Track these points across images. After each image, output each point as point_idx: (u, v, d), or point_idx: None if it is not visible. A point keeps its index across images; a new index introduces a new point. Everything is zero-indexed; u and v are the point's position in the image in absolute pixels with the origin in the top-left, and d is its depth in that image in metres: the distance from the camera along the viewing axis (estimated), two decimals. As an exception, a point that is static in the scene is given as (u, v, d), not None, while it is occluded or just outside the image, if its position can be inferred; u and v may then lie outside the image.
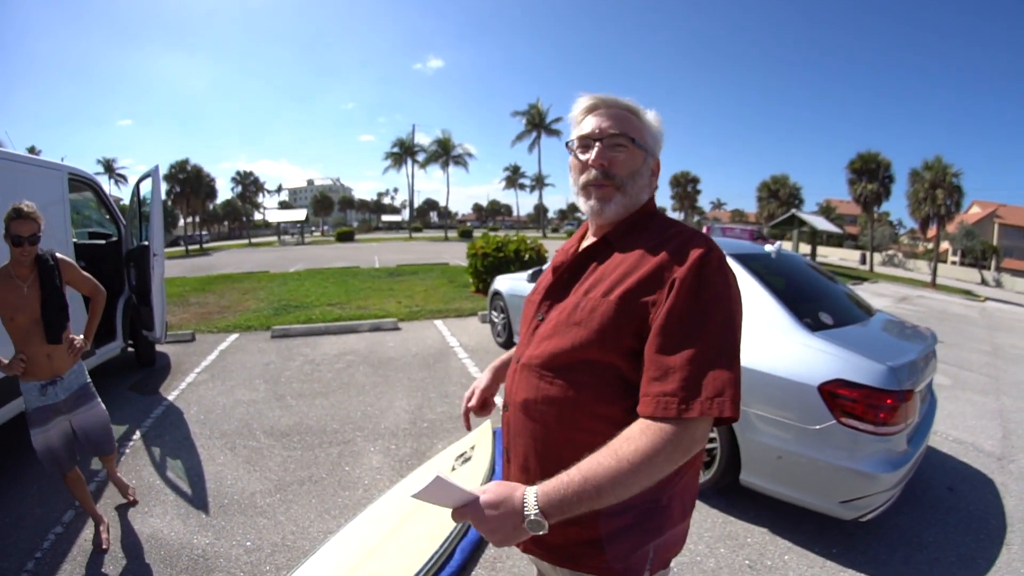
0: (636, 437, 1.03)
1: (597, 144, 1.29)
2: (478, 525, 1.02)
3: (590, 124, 1.31)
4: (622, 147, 1.28)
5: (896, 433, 2.94)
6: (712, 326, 1.08)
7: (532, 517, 0.98)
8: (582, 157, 1.31)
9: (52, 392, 2.92)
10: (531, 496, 1.00)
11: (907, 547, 3.18)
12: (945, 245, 47.80)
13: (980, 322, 14.22)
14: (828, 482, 3.04)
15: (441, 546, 2.80)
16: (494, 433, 4.15)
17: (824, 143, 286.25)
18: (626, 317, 1.14)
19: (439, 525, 2.97)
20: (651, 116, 1.35)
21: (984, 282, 38.26)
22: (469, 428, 1.71)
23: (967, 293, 25.48)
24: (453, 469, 3.60)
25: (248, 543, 2.99)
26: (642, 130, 1.31)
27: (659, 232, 1.27)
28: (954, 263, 49.76)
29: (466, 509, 1.02)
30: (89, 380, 3.15)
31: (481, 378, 1.69)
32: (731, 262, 1.27)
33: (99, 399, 3.17)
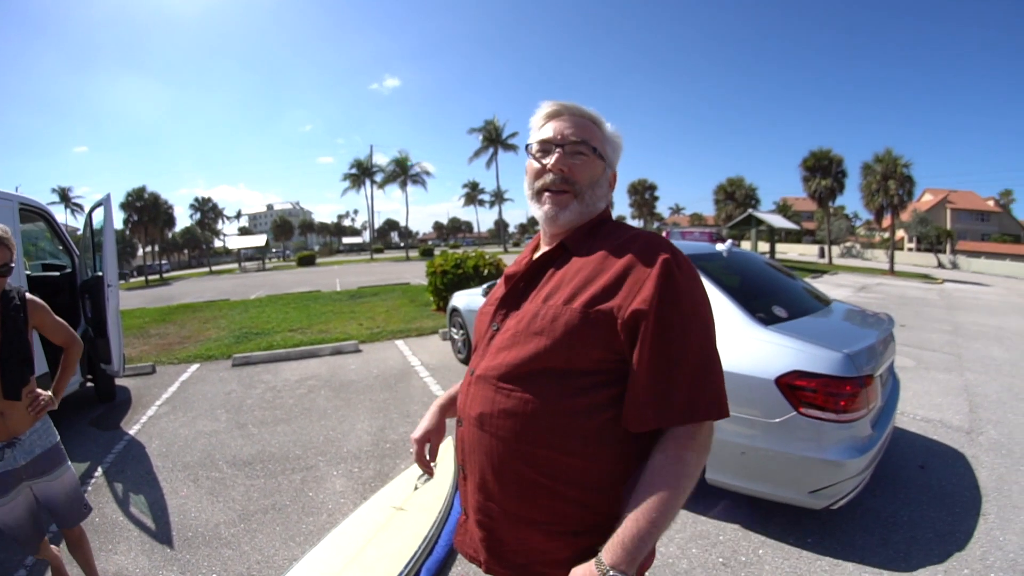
0: (680, 457, 1.05)
1: (558, 150, 1.26)
2: None
3: (552, 129, 1.28)
4: (583, 155, 1.26)
5: (859, 419, 2.93)
6: (697, 331, 1.09)
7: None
8: (542, 161, 1.28)
9: (10, 456, 2.37)
10: (601, 565, 1.00)
11: (883, 529, 3.22)
12: (900, 233, 49.51)
13: (939, 303, 14.74)
14: (795, 474, 3.02)
15: (406, 566, 2.79)
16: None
17: (777, 144, 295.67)
18: (592, 326, 1.10)
19: (404, 546, 2.96)
20: (611, 129, 1.33)
21: (941, 265, 39.72)
22: (431, 473, 1.59)
23: (925, 277, 26.39)
24: (416, 488, 3.60)
25: (213, 575, 2.95)
26: (603, 140, 1.30)
27: (616, 236, 1.23)
28: (911, 250, 51.76)
29: None
30: (58, 439, 2.59)
31: (423, 421, 1.55)
32: None
33: (69, 463, 2.60)
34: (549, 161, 1.27)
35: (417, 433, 1.52)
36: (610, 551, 1.00)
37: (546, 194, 1.28)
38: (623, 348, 1.09)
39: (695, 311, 1.10)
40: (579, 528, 1.14)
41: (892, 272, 28.96)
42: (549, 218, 1.28)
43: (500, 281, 1.41)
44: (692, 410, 1.05)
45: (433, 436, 1.53)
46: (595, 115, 1.32)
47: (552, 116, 1.31)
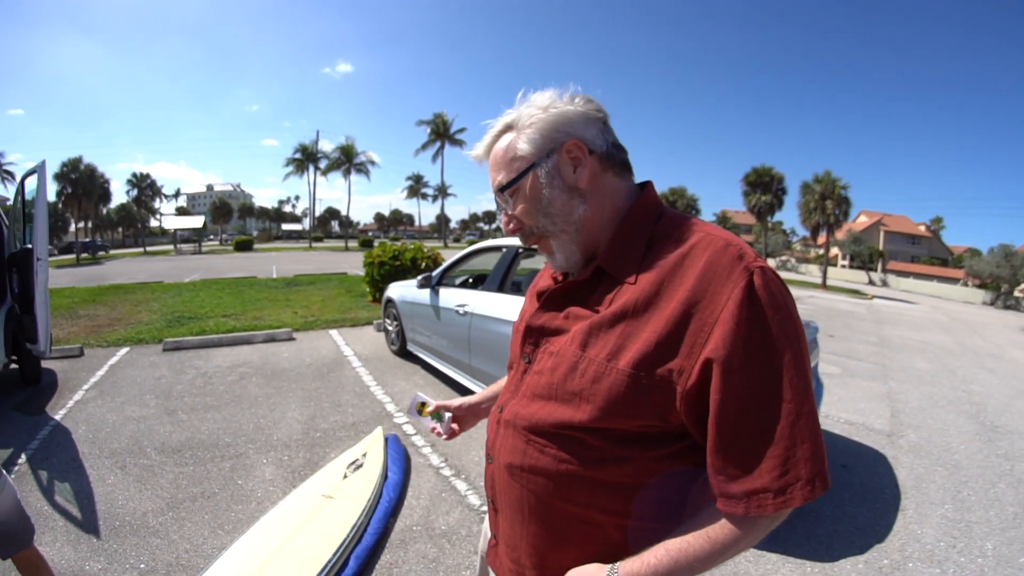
0: (732, 525, 0.85)
1: (502, 211, 1.07)
2: None
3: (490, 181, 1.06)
4: (512, 196, 1.02)
5: None
6: (788, 383, 0.81)
7: None
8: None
9: None
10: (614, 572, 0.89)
11: (806, 522, 3.35)
12: (835, 251, 51.63)
13: (868, 317, 15.51)
14: None
15: (335, 553, 2.79)
16: (386, 440, 4.16)
17: (721, 157, 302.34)
18: (644, 393, 0.86)
19: (332, 533, 2.96)
20: (531, 107, 0.99)
21: (872, 282, 41.61)
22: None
23: (856, 292, 27.76)
24: (345, 477, 3.59)
25: (142, 565, 2.85)
26: (517, 145, 0.99)
27: (672, 244, 0.92)
28: (844, 266, 54.12)
29: None
30: None
31: (464, 399, 1.48)
32: None
33: (6, 473, 2.12)
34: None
35: (455, 402, 1.46)
36: (629, 564, 0.89)
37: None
38: (682, 420, 0.87)
39: (785, 347, 0.82)
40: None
41: (825, 286, 30.23)
42: (557, 270, 1.10)
43: (530, 295, 1.18)
44: (784, 493, 0.81)
45: (462, 412, 1.46)
46: (502, 124, 1.03)
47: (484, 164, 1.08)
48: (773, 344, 0.81)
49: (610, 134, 1.02)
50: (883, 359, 8.80)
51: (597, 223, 1.00)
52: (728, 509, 0.84)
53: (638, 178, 1.08)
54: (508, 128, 1.02)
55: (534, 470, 0.98)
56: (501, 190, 1.02)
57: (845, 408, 5.80)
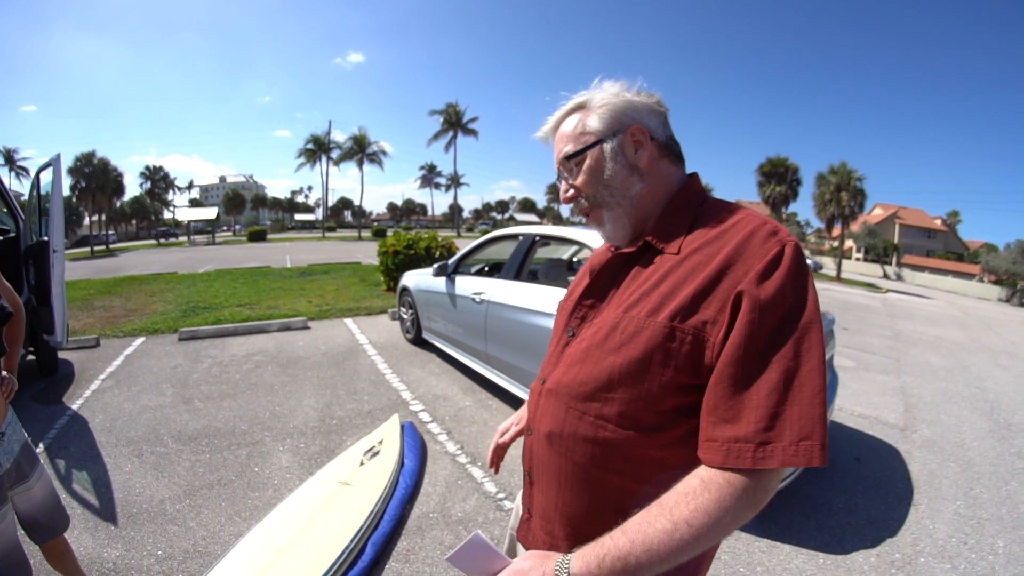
0: (697, 492, 0.83)
1: (562, 180, 1.15)
2: None
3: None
4: (579, 165, 1.10)
5: None
6: (793, 347, 0.84)
7: None
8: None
9: None
10: (564, 566, 0.86)
11: (819, 514, 3.36)
12: (849, 243, 51.16)
13: (882, 311, 15.39)
14: None
15: (352, 540, 2.79)
16: (402, 427, 4.16)
17: (735, 146, 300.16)
18: (679, 344, 0.91)
19: (349, 520, 2.96)
20: (603, 92, 1.09)
21: (886, 276, 41.33)
22: (496, 469, 1.51)
23: (870, 286, 27.52)
24: (362, 464, 3.60)
25: (159, 552, 2.88)
26: (586, 122, 1.08)
27: (714, 223, 1.00)
28: (858, 259, 53.65)
29: None
30: (27, 435, 2.08)
31: (514, 415, 1.51)
32: None
33: (41, 462, 2.10)
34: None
35: (502, 424, 1.52)
36: (583, 558, 0.86)
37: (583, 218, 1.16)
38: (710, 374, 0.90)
39: (796, 316, 0.86)
40: None
41: (839, 279, 30.05)
42: (606, 239, 1.16)
43: (582, 272, 1.21)
44: (765, 448, 0.81)
45: (514, 426, 1.49)
46: (575, 103, 1.12)
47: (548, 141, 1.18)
48: (791, 307, 0.87)
49: (669, 128, 1.13)
50: (897, 353, 8.70)
51: (650, 201, 1.09)
52: (707, 456, 0.86)
53: None
54: (578, 108, 1.11)
55: (573, 437, 1.02)
56: (568, 159, 1.11)
57: (859, 401, 5.75)
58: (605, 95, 1.09)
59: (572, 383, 1.03)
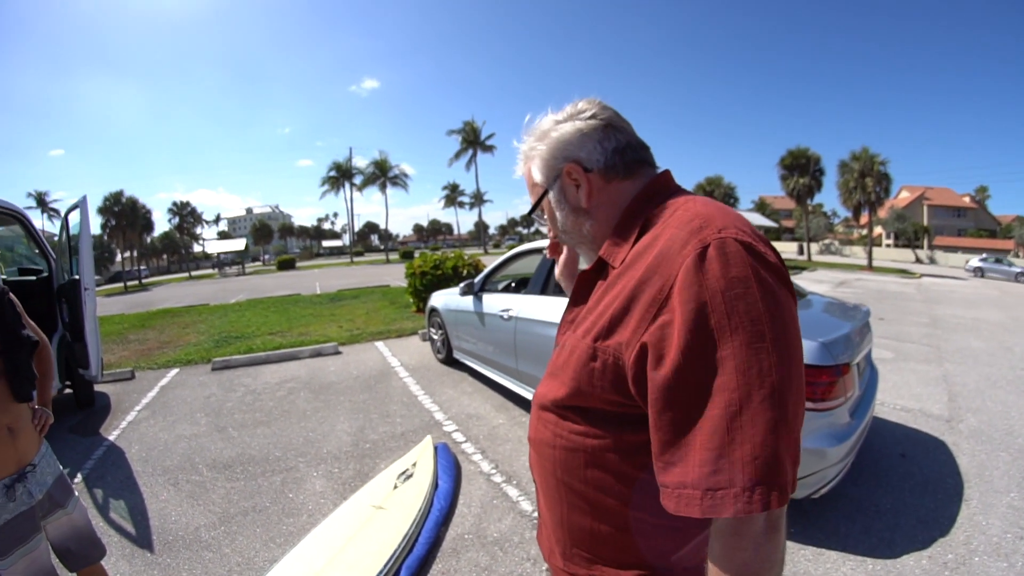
0: (731, 559, 0.75)
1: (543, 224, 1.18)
2: None
3: None
4: (541, 214, 1.14)
5: (836, 407, 2.94)
6: (735, 373, 0.73)
7: None
8: None
9: (24, 492, 1.89)
10: None
11: (865, 517, 3.25)
12: (878, 230, 50.47)
13: (918, 297, 15.11)
14: None
15: (386, 564, 2.80)
16: (436, 448, 4.17)
17: (755, 142, 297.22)
18: (601, 364, 0.88)
19: (384, 544, 2.97)
20: (537, 133, 1.08)
21: (919, 260, 40.61)
22: None
23: (903, 272, 27.09)
24: (395, 487, 3.61)
25: (194, 577, 2.93)
26: (532, 173, 1.09)
27: (656, 226, 0.93)
28: (888, 246, 52.86)
29: None
30: (62, 467, 2.19)
31: None
32: None
33: (76, 492, 2.21)
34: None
35: None
36: None
37: None
38: (639, 399, 0.85)
39: (737, 326, 0.75)
40: (622, 560, 0.98)
41: (871, 268, 29.59)
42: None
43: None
44: (713, 495, 0.73)
45: None
46: (522, 154, 1.13)
47: None
48: (717, 322, 0.75)
49: (611, 139, 1.03)
50: (936, 340, 8.49)
51: (607, 231, 1.04)
52: (663, 500, 0.78)
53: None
54: (525, 158, 1.12)
55: (543, 444, 1.04)
56: (529, 214, 1.17)
57: (900, 394, 5.59)
58: (533, 142, 1.08)
59: (543, 395, 1.05)
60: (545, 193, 1.08)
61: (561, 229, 1.10)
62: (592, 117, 1.03)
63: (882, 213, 41.89)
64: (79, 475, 4.28)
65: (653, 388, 0.78)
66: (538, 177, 1.08)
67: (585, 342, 0.92)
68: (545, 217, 1.14)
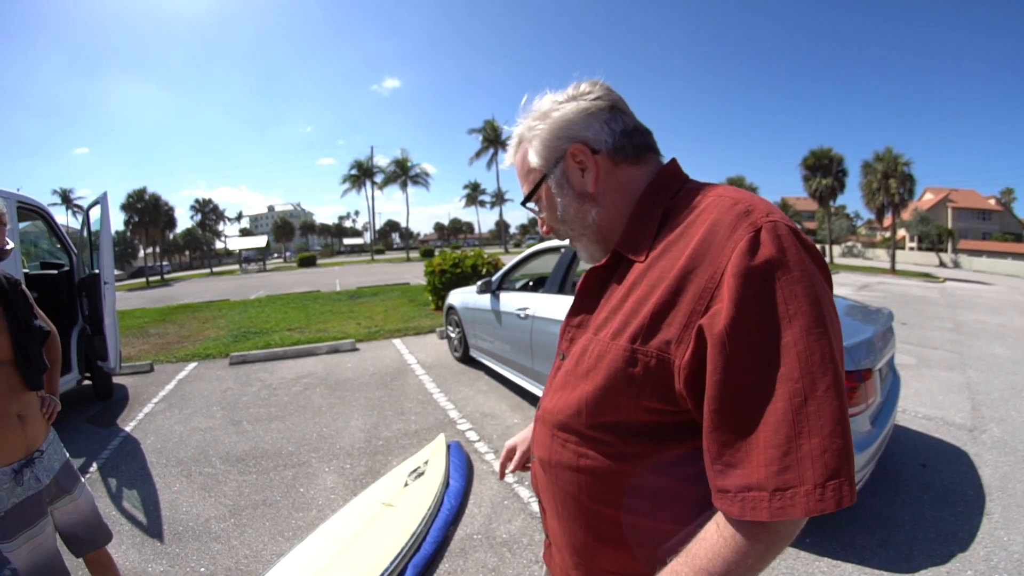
0: (715, 543, 0.73)
1: (537, 215, 1.09)
2: None
3: None
4: (537, 203, 1.05)
5: (858, 414, 2.86)
6: (797, 361, 0.69)
7: None
8: None
9: (32, 477, 1.97)
10: None
11: (884, 529, 3.16)
12: (902, 232, 49.74)
13: (941, 302, 14.84)
14: None
15: (392, 562, 2.78)
16: (448, 447, 4.15)
17: (777, 143, 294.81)
18: (643, 368, 0.80)
19: (391, 542, 2.96)
20: (533, 114, 1.01)
21: (942, 264, 39.99)
22: (501, 475, 1.47)
23: (927, 276, 26.63)
24: (406, 485, 3.60)
25: (202, 569, 2.94)
26: (529, 157, 1.01)
27: (684, 215, 0.87)
28: (912, 249, 52.13)
29: None
30: (69, 455, 2.27)
31: (523, 432, 1.43)
32: None
33: (83, 479, 2.30)
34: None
35: (510, 441, 1.45)
36: None
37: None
38: (685, 401, 0.79)
39: (795, 316, 0.71)
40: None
41: (894, 271, 29.12)
42: (586, 263, 1.08)
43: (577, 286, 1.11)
44: (783, 495, 0.68)
45: (520, 445, 1.42)
46: (516, 135, 1.05)
47: None
48: (777, 309, 0.71)
49: (619, 122, 0.97)
50: (960, 346, 8.27)
51: (615, 220, 0.97)
52: (724, 507, 0.73)
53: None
54: (520, 139, 1.03)
55: (560, 465, 0.95)
56: (524, 202, 1.07)
57: (922, 402, 5.45)
58: (533, 122, 1.00)
59: (554, 410, 0.96)
60: (544, 178, 1.00)
61: (561, 219, 1.01)
62: (597, 98, 0.96)
63: (906, 215, 41.27)
64: (94, 464, 4.35)
65: (711, 384, 0.73)
66: (536, 161, 1.00)
67: (618, 345, 0.83)
68: (541, 206, 1.05)
